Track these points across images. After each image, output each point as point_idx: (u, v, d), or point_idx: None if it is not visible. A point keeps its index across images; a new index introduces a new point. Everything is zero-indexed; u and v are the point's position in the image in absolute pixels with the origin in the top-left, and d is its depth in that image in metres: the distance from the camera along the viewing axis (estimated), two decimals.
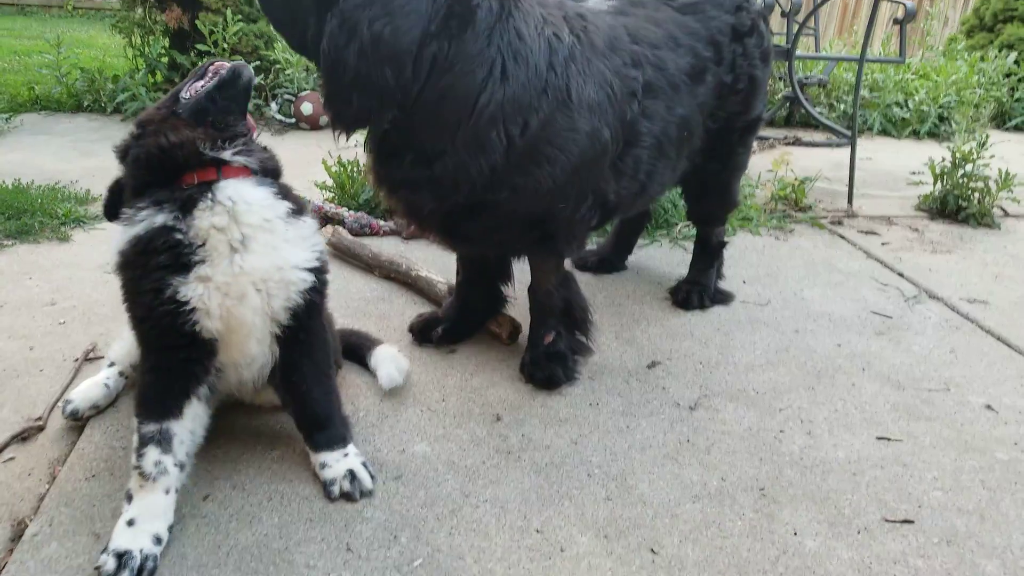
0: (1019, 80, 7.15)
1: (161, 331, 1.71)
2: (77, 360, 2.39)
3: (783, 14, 5.57)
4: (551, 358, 2.43)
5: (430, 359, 2.56)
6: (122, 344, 2.19)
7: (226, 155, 1.77)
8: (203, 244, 1.70)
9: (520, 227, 2.25)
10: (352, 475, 1.90)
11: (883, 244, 3.88)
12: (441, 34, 1.95)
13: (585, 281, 3.20)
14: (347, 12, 1.89)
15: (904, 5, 4.65)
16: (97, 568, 1.63)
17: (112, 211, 1.85)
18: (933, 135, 6.42)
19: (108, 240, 3.27)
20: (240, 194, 1.75)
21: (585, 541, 1.80)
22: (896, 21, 4.75)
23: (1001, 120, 7.11)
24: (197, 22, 5.26)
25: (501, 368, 2.52)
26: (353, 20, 1.89)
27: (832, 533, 1.87)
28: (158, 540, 1.68)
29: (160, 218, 1.70)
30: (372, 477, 1.92)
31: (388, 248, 3.25)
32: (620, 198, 2.40)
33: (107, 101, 5.50)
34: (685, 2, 2.62)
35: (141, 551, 1.64)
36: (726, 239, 3.16)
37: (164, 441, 1.73)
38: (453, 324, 2.63)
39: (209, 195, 1.72)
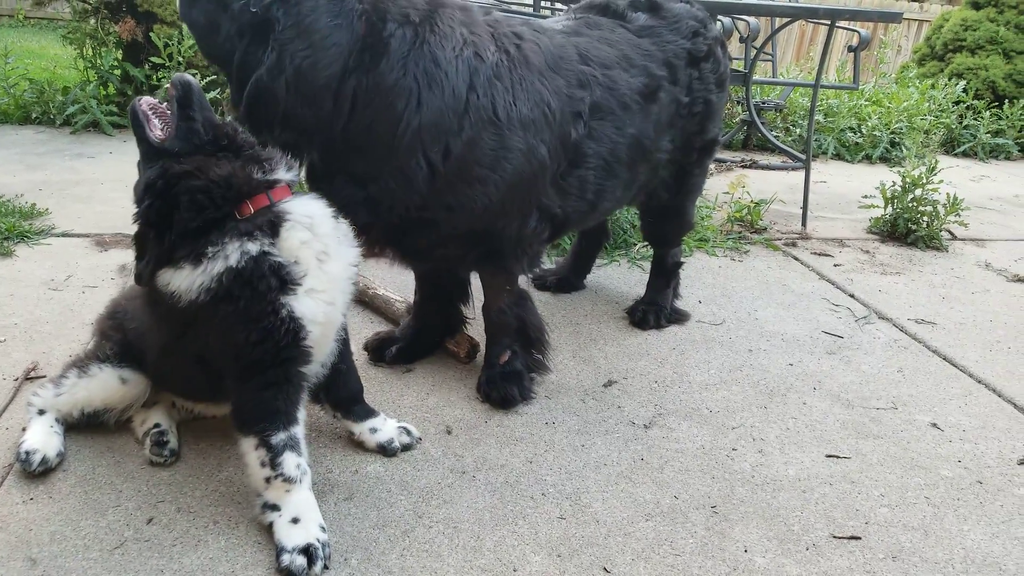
0: (967, 108, 7.38)
1: (278, 349, 1.77)
2: (17, 379, 2.32)
3: (741, 39, 5.69)
4: (507, 377, 2.42)
5: (386, 378, 2.53)
6: (62, 391, 2.04)
7: (278, 175, 1.85)
8: (296, 261, 1.78)
9: (464, 243, 2.26)
10: (405, 430, 2.17)
11: (835, 265, 3.97)
12: (358, 68, 1.98)
13: (544, 300, 3.21)
14: (281, 44, 1.91)
15: (859, 33, 4.78)
16: (285, 570, 1.68)
17: (161, 261, 1.80)
18: (885, 160, 6.59)
19: (53, 256, 3.22)
20: (308, 209, 1.84)
21: (538, 560, 1.79)
22: (851, 49, 4.89)
23: (950, 146, 7.33)
24: (151, 34, 5.18)
25: (458, 387, 2.51)
26: (282, 53, 1.91)
27: (782, 550, 1.89)
28: (323, 529, 1.78)
29: (253, 247, 1.75)
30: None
31: None
32: (568, 215, 2.42)
33: (56, 113, 5.36)
34: (641, 25, 2.66)
35: (318, 540, 1.74)
36: (682, 260, 3.20)
37: (296, 446, 1.82)
38: (409, 343, 2.61)
39: (288, 216, 1.80)
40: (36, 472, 1.91)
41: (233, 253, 1.74)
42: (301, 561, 1.70)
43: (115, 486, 1.92)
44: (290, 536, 1.74)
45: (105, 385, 2.03)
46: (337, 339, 1.98)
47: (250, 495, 1.90)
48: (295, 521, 1.76)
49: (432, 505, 1.95)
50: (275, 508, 1.79)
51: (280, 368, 1.79)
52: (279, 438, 1.79)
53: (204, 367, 1.88)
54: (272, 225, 1.78)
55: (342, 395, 2.12)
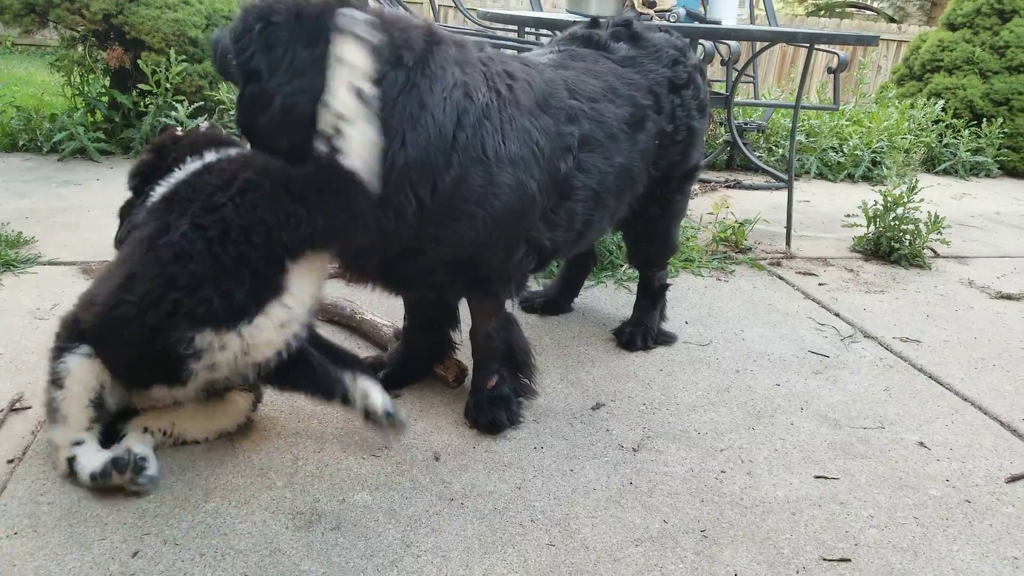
0: (947, 127, 7.49)
1: None
2: (3, 410, 2.29)
3: (723, 62, 5.77)
4: (494, 402, 2.42)
5: None
6: (64, 421, 2.01)
7: None
8: None
9: (452, 271, 2.27)
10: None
11: (820, 284, 4.00)
12: None
13: (531, 323, 3.22)
14: (270, 89, 1.93)
15: (837, 55, 4.86)
16: None
17: None
18: (867, 179, 6.67)
19: (40, 285, 3.20)
20: None
21: None
22: (830, 70, 4.96)
23: (931, 164, 7.43)
24: (139, 61, 5.19)
25: (446, 412, 2.51)
26: (272, 97, 1.93)
27: (772, 573, 1.89)
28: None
29: None
30: None
31: (331, 291, 3.22)
32: (556, 245, 2.45)
33: (43, 140, 5.33)
34: (624, 55, 2.69)
35: None
36: (668, 281, 3.22)
37: None
38: (397, 369, 2.61)
39: None
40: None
41: None
42: None
43: (100, 519, 1.90)
44: None
45: (81, 362, 1.98)
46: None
47: (238, 526, 1.90)
48: None
49: (420, 534, 1.94)
50: None
51: None
52: None
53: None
54: None
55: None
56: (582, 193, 2.42)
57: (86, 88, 5.52)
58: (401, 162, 2.04)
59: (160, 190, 2.05)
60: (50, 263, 3.45)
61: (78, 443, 2.01)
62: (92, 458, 1.99)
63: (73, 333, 2.02)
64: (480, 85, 2.16)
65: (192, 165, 2.06)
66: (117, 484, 1.95)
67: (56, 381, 1.99)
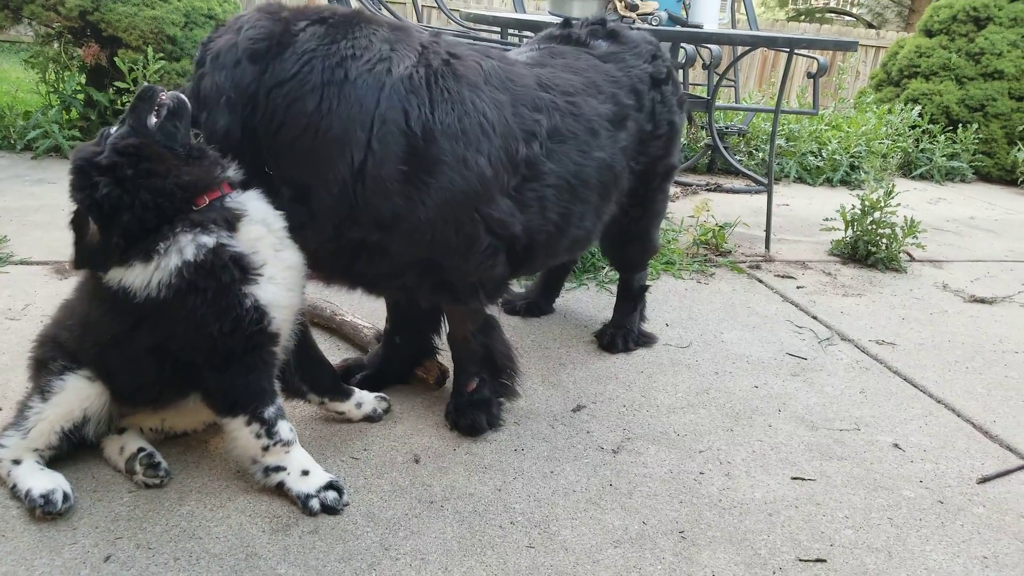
0: (923, 132, 7.59)
1: (249, 335, 1.90)
2: None
3: (704, 66, 5.80)
4: (475, 405, 2.41)
5: None
6: (29, 426, 1.95)
7: (229, 173, 1.97)
8: (255, 252, 1.92)
9: (412, 272, 2.21)
10: (381, 398, 2.46)
11: (798, 288, 4.03)
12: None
13: (513, 325, 3.21)
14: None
15: (817, 60, 4.90)
16: (320, 507, 1.96)
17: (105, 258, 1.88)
18: (845, 182, 6.74)
19: (11, 284, 3.15)
20: (260, 206, 1.98)
21: None
22: (810, 75, 5.01)
23: (908, 169, 7.52)
24: (116, 59, 5.14)
25: (426, 415, 2.50)
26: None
27: (749, 574, 1.90)
28: (326, 471, 2.06)
29: (208, 239, 1.86)
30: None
31: (311, 293, 3.19)
32: (532, 234, 2.33)
33: (17, 138, 5.27)
34: (605, 51, 2.70)
35: (331, 479, 2.03)
36: (648, 283, 3.23)
37: (283, 413, 2.01)
38: (376, 371, 2.59)
39: (245, 213, 1.94)
40: (63, 511, 1.86)
41: (188, 247, 1.84)
42: (333, 495, 1.98)
43: (71, 523, 1.87)
44: (309, 483, 1.99)
45: (78, 388, 1.97)
46: (298, 324, 2.14)
47: (213, 529, 1.88)
48: (305, 473, 2.00)
49: (399, 536, 1.93)
50: (280, 469, 1.99)
51: (256, 352, 1.94)
52: (270, 411, 1.96)
53: (159, 358, 1.93)
54: (228, 220, 1.91)
55: (327, 382, 2.33)
56: (552, 179, 2.34)
57: (61, 85, 5.45)
58: (327, 133, 1.98)
59: None
60: (22, 262, 3.40)
61: (17, 462, 1.95)
62: (33, 480, 1.91)
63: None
64: (406, 59, 2.08)
65: None
66: (60, 511, 1.88)
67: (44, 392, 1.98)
